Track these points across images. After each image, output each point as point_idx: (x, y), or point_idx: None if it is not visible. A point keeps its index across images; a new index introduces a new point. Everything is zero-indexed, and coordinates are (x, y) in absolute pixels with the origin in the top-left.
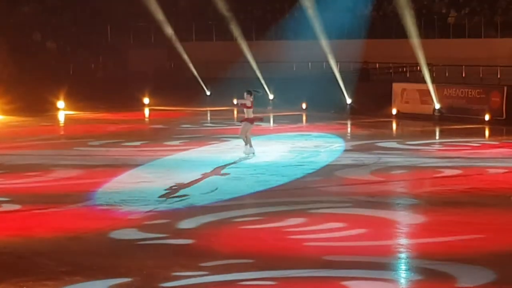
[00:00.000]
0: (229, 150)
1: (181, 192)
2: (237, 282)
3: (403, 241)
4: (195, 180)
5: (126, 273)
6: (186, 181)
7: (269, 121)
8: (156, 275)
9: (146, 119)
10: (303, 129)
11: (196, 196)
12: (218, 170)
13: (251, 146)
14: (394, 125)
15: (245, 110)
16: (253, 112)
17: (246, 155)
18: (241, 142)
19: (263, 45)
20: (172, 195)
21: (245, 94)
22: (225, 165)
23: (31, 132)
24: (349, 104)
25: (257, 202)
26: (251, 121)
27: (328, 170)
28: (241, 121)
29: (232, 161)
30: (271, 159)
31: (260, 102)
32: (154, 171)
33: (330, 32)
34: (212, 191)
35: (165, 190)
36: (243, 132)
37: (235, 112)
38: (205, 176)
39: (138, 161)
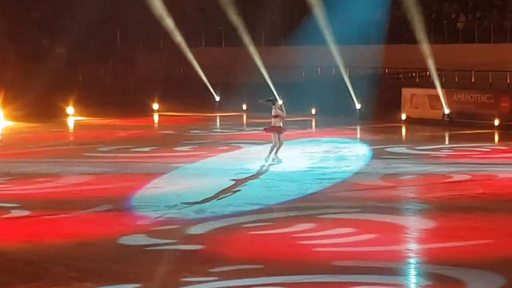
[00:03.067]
0: (238, 156)
1: (191, 198)
2: (247, 287)
3: (413, 246)
4: (205, 186)
5: (135, 279)
6: (195, 187)
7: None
8: (166, 280)
9: (155, 125)
10: (313, 135)
11: (206, 202)
12: (227, 175)
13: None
14: (403, 130)
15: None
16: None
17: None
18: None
19: (273, 51)
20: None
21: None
22: (235, 171)
23: (40, 138)
24: (359, 109)
25: (266, 208)
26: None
27: (338, 176)
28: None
29: (242, 167)
30: (281, 165)
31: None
32: (164, 177)
33: (339, 37)
34: (222, 196)
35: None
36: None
37: (245, 118)
38: (215, 182)
39: (147, 167)
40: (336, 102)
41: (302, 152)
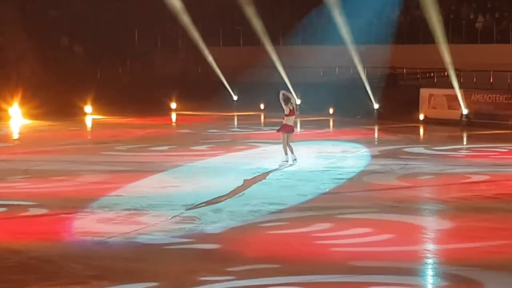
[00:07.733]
0: (256, 155)
1: (208, 197)
2: (264, 287)
3: (430, 246)
4: (222, 185)
5: (153, 278)
6: (212, 186)
7: (296, 126)
8: (183, 279)
9: (173, 124)
10: (330, 135)
11: (223, 201)
12: (245, 175)
13: (286, 154)
14: (421, 131)
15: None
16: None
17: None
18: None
19: (290, 50)
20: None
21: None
22: (252, 170)
23: (58, 137)
24: (376, 109)
25: (283, 207)
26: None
27: (355, 176)
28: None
29: (259, 166)
30: (298, 164)
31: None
32: (181, 176)
33: (357, 37)
34: (239, 196)
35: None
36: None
37: (262, 117)
38: (231, 181)
39: (165, 166)
40: (353, 102)
41: (319, 152)
